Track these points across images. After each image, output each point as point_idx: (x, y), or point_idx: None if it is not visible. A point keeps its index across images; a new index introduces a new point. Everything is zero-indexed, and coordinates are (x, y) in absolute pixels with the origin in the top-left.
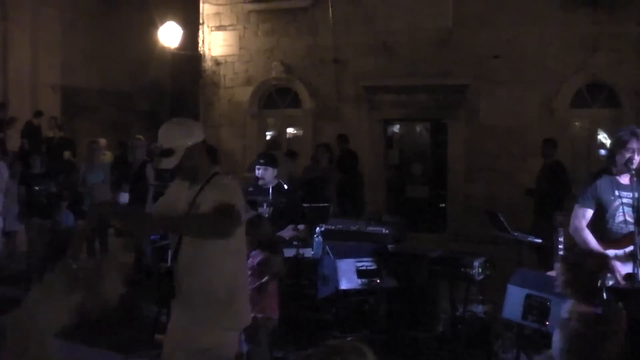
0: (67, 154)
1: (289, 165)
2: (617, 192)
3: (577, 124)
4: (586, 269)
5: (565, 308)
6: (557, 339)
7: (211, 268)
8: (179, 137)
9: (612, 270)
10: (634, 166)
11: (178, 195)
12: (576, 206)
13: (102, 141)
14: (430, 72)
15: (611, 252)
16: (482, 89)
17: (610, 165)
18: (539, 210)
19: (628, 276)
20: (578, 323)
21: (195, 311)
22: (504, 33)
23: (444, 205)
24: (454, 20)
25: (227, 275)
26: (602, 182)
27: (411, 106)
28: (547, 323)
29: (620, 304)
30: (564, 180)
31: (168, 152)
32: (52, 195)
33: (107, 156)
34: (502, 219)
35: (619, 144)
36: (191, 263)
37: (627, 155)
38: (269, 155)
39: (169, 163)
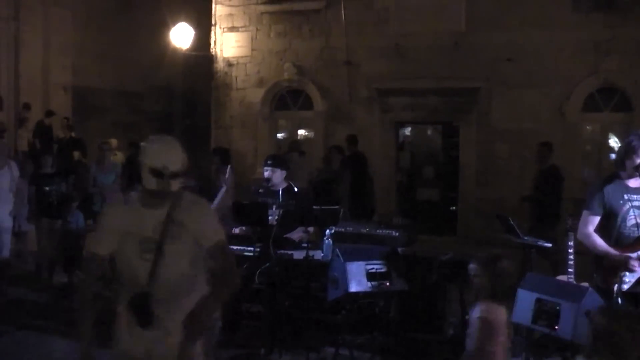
0: (77, 154)
1: (303, 163)
2: (626, 196)
3: (588, 127)
4: (502, 270)
5: (477, 310)
6: (471, 336)
7: (199, 293)
8: (183, 159)
9: (632, 270)
10: None
11: (134, 217)
12: (584, 212)
13: (114, 141)
14: (442, 74)
15: None
16: (494, 92)
17: (618, 170)
18: (536, 215)
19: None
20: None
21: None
22: (516, 36)
23: (454, 208)
24: (467, 24)
25: None
26: (611, 188)
27: (423, 109)
28: (557, 327)
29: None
30: (560, 184)
31: (177, 175)
32: (62, 196)
33: (119, 157)
34: (512, 222)
35: (629, 150)
36: (176, 290)
37: (638, 160)
38: (277, 157)
39: (176, 185)
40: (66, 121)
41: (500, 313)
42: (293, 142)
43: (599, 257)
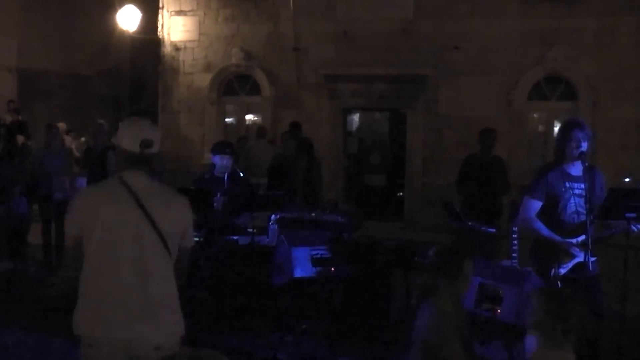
0: (21, 138)
1: (268, 150)
2: (567, 184)
3: (534, 115)
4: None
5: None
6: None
7: None
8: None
9: (574, 255)
10: (584, 154)
11: (116, 212)
12: (525, 198)
13: (61, 125)
14: (390, 61)
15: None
16: (442, 80)
17: (559, 157)
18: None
19: (579, 265)
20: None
21: None
22: (464, 25)
23: (401, 194)
24: (415, 11)
25: None
26: (552, 175)
27: (371, 95)
28: (499, 311)
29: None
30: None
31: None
32: (6, 181)
33: (66, 140)
34: (457, 208)
35: (564, 136)
36: None
37: (574, 144)
38: (231, 144)
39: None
40: (12, 104)
41: None
42: (260, 129)
43: (538, 242)
